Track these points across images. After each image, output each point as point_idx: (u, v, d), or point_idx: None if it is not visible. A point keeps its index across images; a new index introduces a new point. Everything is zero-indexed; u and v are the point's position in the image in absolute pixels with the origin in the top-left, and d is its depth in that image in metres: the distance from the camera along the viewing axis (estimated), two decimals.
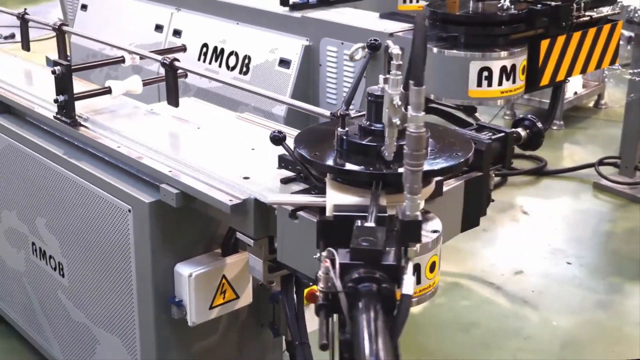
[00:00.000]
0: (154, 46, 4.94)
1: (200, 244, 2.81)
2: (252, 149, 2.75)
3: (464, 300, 4.63)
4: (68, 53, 3.48)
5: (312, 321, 2.51)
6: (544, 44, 3.71)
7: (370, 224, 1.77)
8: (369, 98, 2.06)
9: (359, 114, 2.24)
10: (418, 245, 1.71)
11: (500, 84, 3.55)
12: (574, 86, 7.36)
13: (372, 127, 2.04)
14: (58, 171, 3.11)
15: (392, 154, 1.96)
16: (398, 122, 1.88)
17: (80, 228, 3.06)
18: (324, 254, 1.67)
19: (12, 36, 9.96)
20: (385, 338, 1.51)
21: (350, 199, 1.99)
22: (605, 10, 4.06)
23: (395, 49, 1.98)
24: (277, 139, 2.35)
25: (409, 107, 1.65)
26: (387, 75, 2.04)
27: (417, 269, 2.02)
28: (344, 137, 2.08)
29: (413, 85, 1.64)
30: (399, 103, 1.86)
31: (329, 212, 1.95)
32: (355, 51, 3.52)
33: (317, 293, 1.67)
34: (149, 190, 2.73)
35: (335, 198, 2.00)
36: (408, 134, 1.66)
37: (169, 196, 2.60)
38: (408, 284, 1.61)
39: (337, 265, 1.64)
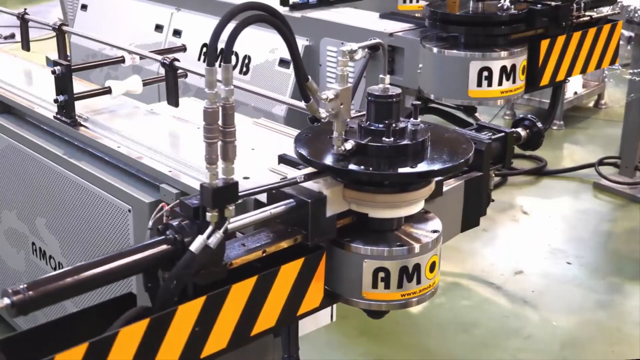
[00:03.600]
0: (154, 46, 4.94)
1: None
2: (252, 149, 2.75)
3: (464, 300, 4.63)
4: (68, 53, 3.47)
5: (305, 327, 2.52)
6: (544, 44, 3.71)
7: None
8: (369, 98, 2.06)
9: (359, 114, 2.24)
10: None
11: (500, 84, 3.55)
12: (574, 86, 7.35)
13: (372, 127, 2.04)
14: (58, 171, 3.11)
15: (341, 147, 1.98)
16: (324, 115, 1.99)
17: (80, 228, 3.06)
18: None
19: (12, 36, 9.97)
20: (117, 264, 1.76)
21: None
22: (605, 10, 4.06)
23: (346, 47, 2.01)
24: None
25: (205, 84, 1.77)
26: (387, 75, 2.05)
27: (417, 269, 2.02)
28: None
29: (206, 65, 1.75)
30: (330, 97, 1.97)
31: None
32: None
33: None
34: (149, 190, 2.73)
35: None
36: (203, 108, 1.77)
37: (169, 196, 2.60)
38: (196, 242, 1.76)
39: (167, 209, 1.89)
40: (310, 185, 2.01)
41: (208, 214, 1.78)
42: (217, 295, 1.84)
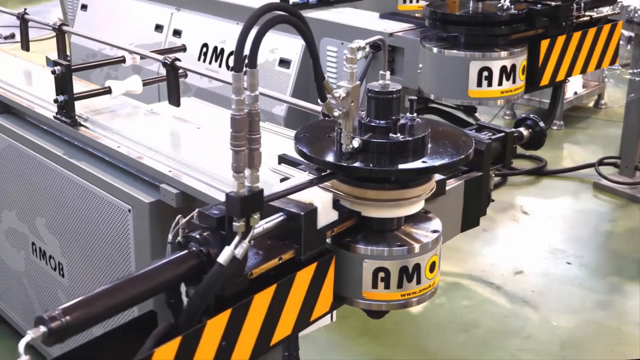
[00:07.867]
0: (154, 46, 4.94)
1: None
2: None
3: (464, 300, 4.63)
4: (68, 53, 3.47)
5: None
6: (544, 44, 3.71)
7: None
8: (369, 94, 2.05)
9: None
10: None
11: (500, 84, 3.55)
12: (574, 86, 7.36)
13: (373, 124, 2.03)
14: (58, 171, 3.11)
15: (350, 146, 1.96)
16: (337, 113, 1.95)
17: (80, 228, 3.06)
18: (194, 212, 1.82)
19: (12, 36, 9.97)
20: (155, 280, 1.72)
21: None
22: (605, 10, 4.06)
23: (353, 44, 2.00)
24: None
25: (232, 90, 1.70)
26: (387, 72, 2.04)
27: (417, 269, 2.02)
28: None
29: (234, 72, 1.68)
30: (343, 95, 1.93)
31: None
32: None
33: None
34: (149, 190, 2.73)
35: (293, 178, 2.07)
36: (230, 115, 1.69)
37: (169, 196, 2.60)
38: (224, 254, 1.69)
39: (184, 221, 1.81)
40: (301, 196, 1.96)
41: (235, 224, 1.71)
42: (241, 306, 1.79)
